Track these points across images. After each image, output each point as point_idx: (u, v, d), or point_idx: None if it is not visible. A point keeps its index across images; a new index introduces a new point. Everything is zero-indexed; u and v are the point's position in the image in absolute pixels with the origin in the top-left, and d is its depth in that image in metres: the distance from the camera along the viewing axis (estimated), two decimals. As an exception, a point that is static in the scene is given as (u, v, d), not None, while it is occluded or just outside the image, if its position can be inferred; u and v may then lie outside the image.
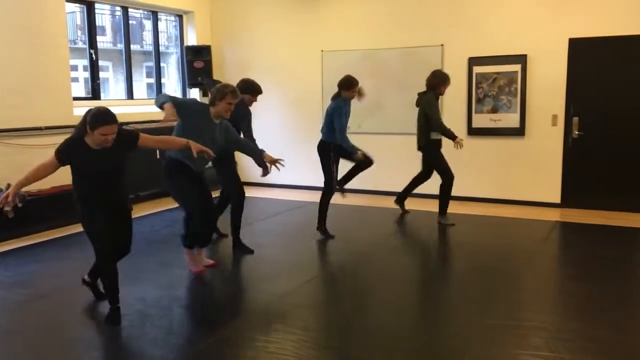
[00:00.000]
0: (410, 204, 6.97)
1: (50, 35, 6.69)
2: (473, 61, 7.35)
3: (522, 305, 4.12)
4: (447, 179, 6.29)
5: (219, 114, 4.55)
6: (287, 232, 6.27)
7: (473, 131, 7.44)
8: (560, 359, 3.23)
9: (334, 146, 5.78)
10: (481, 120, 7.38)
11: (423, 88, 6.87)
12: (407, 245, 6.03)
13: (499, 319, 3.80)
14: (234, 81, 7.71)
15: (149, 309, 4.06)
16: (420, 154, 6.55)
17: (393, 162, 7.87)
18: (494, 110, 7.30)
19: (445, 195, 6.34)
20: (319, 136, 5.89)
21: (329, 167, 5.83)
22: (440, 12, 7.50)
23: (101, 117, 3.58)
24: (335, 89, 5.96)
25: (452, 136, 6.20)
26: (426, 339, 3.59)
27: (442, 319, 3.95)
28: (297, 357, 3.30)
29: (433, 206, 6.52)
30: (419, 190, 6.81)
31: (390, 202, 7.07)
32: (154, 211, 7.31)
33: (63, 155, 3.67)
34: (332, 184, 5.84)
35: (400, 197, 6.90)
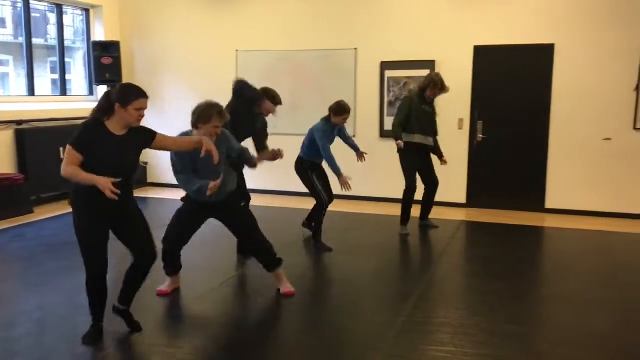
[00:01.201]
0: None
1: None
2: (385, 65, 7.54)
3: (430, 302, 4.27)
4: (407, 186, 6.07)
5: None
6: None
7: (385, 133, 7.61)
8: (464, 354, 3.36)
9: (310, 163, 5.67)
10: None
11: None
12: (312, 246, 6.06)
13: (408, 317, 3.91)
14: (144, 80, 7.58)
15: (49, 317, 3.85)
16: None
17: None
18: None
19: (404, 203, 6.11)
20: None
21: (311, 184, 5.63)
22: (354, 16, 7.64)
23: (134, 90, 3.30)
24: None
25: (395, 138, 5.92)
26: (337, 337, 3.63)
27: (352, 317, 4.00)
28: (208, 361, 3.25)
29: (346, 206, 6.62)
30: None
31: (296, 203, 7.11)
32: (56, 214, 6.94)
33: (82, 142, 3.19)
34: (322, 197, 5.58)
35: (423, 218, 6.48)
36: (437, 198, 7.47)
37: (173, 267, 4.33)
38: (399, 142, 5.84)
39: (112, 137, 3.28)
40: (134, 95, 3.25)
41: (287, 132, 7.99)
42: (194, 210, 4.21)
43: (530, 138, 7.13)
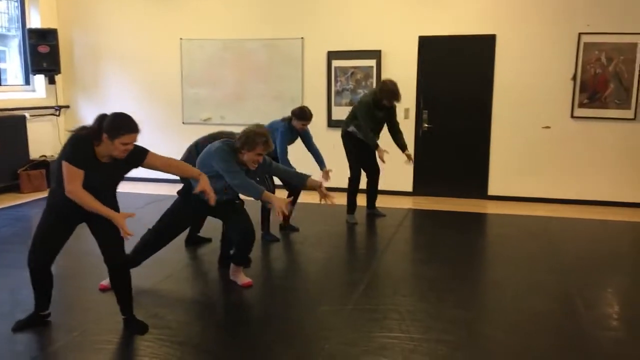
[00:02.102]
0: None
1: None
2: (332, 55, 7.54)
3: (378, 289, 4.31)
4: (353, 176, 6.18)
5: (243, 163, 4.02)
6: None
7: (332, 123, 7.63)
8: (411, 339, 3.42)
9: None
10: (340, 112, 7.57)
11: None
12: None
13: (356, 305, 3.94)
14: (84, 69, 7.35)
15: (-14, 317, 3.69)
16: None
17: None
18: (352, 103, 7.53)
19: (349, 192, 6.21)
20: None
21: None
22: (301, 5, 7.60)
23: (125, 124, 3.13)
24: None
25: (373, 145, 6.00)
26: (285, 328, 3.62)
27: (302, 307, 4.01)
28: (155, 356, 3.18)
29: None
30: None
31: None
32: (-7, 209, 6.65)
33: (78, 158, 3.12)
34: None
35: (370, 207, 6.58)
36: (385, 187, 7.56)
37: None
38: (382, 151, 5.95)
39: (99, 162, 3.19)
40: (123, 130, 3.12)
41: (233, 122, 7.92)
42: (193, 208, 4.14)
43: (473, 127, 7.29)
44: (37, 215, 6.36)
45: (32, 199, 7.20)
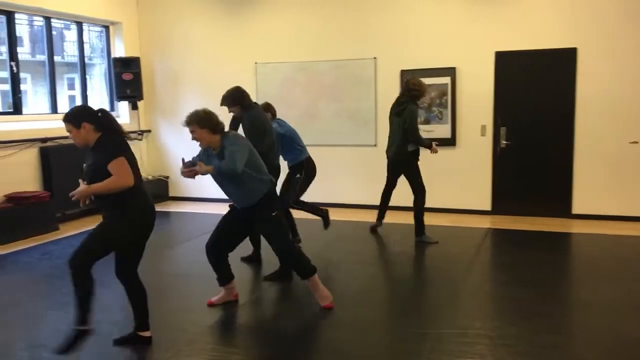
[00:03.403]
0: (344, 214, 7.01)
1: (-35, 46, 6.29)
2: (405, 73, 7.51)
3: (464, 312, 4.21)
4: (423, 196, 6.15)
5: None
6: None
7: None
8: (506, 365, 3.31)
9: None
10: (414, 131, 7.54)
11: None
12: (341, 256, 6.01)
13: (442, 328, 3.85)
14: (164, 94, 7.65)
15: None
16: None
17: (326, 174, 7.90)
18: (427, 121, 7.48)
19: (421, 214, 6.16)
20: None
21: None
22: (373, 25, 7.64)
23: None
24: (270, 100, 5.98)
25: (428, 145, 6.07)
26: (372, 352, 3.59)
27: (384, 329, 3.96)
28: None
29: (352, 215, 6.58)
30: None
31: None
32: (81, 230, 6.96)
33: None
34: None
35: (380, 219, 6.59)
36: (462, 206, 7.44)
37: (219, 275, 4.33)
38: (434, 146, 6.06)
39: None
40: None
41: (307, 143, 8.01)
42: (234, 216, 4.32)
43: (555, 143, 7.05)
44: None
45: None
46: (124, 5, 8.62)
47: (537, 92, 7.06)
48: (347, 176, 7.86)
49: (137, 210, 3.47)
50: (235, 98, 5.11)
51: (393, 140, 6.14)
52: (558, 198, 7.10)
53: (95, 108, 3.55)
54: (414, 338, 3.72)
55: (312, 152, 7.98)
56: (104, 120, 3.49)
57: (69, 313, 4.17)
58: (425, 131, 7.48)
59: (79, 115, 3.45)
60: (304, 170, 5.93)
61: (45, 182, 7.21)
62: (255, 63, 8.27)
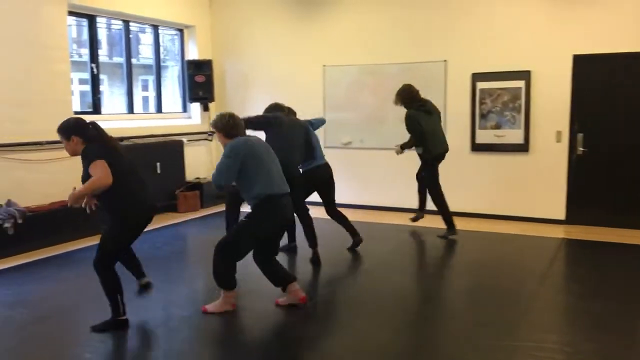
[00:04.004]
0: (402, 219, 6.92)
1: (51, 49, 6.61)
2: (477, 77, 7.34)
3: (538, 325, 4.05)
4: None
5: None
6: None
7: (476, 147, 7.41)
8: (585, 383, 3.16)
9: None
10: (485, 136, 7.36)
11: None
12: (411, 263, 5.94)
13: (518, 341, 3.72)
14: (234, 96, 7.82)
15: (157, 330, 3.96)
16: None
17: (393, 177, 7.85)
18: (498, 126, 7.28)
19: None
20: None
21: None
22: (444, 28, 7.51)
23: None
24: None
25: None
26: (444, 362, 3.51)
27: (455, 341, 3.86)
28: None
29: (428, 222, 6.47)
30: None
31: (390, 218, 7.02)
32: (153, 227, 7.18)
33: None
34: None
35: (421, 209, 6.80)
36: (533, 214, 7.21)
37: (275, 282, 4.32)
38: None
39: None
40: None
41: (374, 145, 8.00)
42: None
43: (636, 150, 6.69)
44: (193, 234, 6.80)
45: (188, 218, 7.71)
46: (198, 10, 8.86)
47: (617, 98, 6.73)
48: (413, 180, 7.75)
49: (128, 211, 3.80)
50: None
51: (441, 137, 6.44)
52: (636, 208, 6.73)
53: (88, 121, 3.89)
54: (490, 350, 3.61)
55: (380, 155, 7.98)
56: (92, 133, 3.80)
57: (140, 305, 4.32)
58: (497, 136, 7.31)
59: (68, 129, 3.81)
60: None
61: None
62: (324, 66, 8.30)
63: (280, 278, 4.28)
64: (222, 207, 6.41)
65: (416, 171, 6.67)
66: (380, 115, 7.99)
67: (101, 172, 3.61)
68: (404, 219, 7.12)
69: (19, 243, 5.84)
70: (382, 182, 8.04)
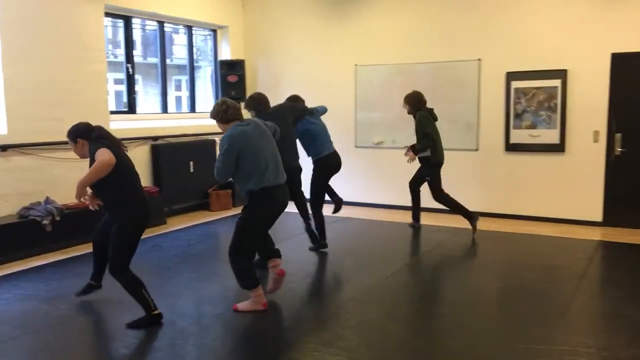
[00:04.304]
0: (438, 219, 6.86)
1: (89, 50, 6.74)
2: (511, 76, 7.22)
3: (574, 329, 3.98)
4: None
5: None
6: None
7: (510, 147, 7.30)
8: (623, 389, 3.08)
9: None
10: (519, 136, 7.24)
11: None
12: (444, 264, 5.87)
13: (553, 344, 3.65)
14: (267, 95, 7.79)
15: (191, 327, 4.01)
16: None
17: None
18: (533, 126, 7.16)
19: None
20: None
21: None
22: (477, 26, 7.41)
23: None
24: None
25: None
26: (478, 364, 3.47)
27: (489, 342, 3.81)
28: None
29: (452, 221, 6.40)
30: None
31: (425, 219, 6.95)
32: (187, 225, 7.28)
33: None
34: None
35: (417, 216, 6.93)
36: (569, 216, 7.07)
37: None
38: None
39: None
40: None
41: (405, 145, 7.94)
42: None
43: (677, 151, 6.50)
44: (225, 233, 6.83)
45: (220, 217, 7.79)
46: (231, 10, 8.93)
47: (658, 97, 6.55)
48: (444, 180, 7.67)
49: (132, 210, 3.94)
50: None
51: (441, 145, 6.58)
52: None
53: (94, 124, 4.10)
54: (524, 353, 3.54)
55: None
56: (97, 135, 4.00)
57: (174, 301, 4.38)
58: (531, 136, 7.19)
59: (75, 133, 4.05)
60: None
61: (155, 178, 7.60)
62: (355, 65, 8.28)
63: (266, 249, 4.50)
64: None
65: (411, 179, 6.82)
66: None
67: (104, 156, 3.79)
68: (435, 219, 7.06)
69: (57, 239, 5.98)
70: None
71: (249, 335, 3.94)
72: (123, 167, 3.91)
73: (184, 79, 12.52)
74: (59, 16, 6.41)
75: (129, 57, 7.65)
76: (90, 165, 3.87)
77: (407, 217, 7.44)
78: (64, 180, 6.39)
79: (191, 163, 8.01)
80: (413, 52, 7.86)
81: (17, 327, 3.99)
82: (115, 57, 12.56)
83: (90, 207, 4.13)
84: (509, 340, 3.76)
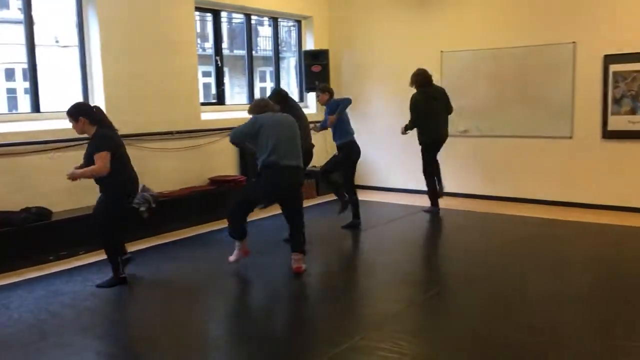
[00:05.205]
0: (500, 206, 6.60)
1: (180, 44, 7.00)
2: (609, 59, 6.83)
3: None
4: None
5: None
6: (404, 238, 6.16)
7: (608, 134, 6.91)
8: None
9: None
10: (618, 122, 6.84)
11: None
12: (527, 256, 5.57)
13: (636, 341, 3.46)
14: (349, 85, 7.93)
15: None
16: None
17: (513, 165, 7.54)
18: (633, 111, 6.74)
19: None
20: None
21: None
22: (572, 7, 7.05)
23: None
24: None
25: None
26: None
27: (570, 338, 3.62)
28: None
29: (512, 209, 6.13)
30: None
31: (511, 209, 6.75)
32: (270, 214, 7.41)
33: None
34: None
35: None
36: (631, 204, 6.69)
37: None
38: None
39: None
40: None
41: (490, 133, 7.73)
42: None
43: None
44: (308, 221, 6.87)
45: (304, 206, 7.80)
46: (315, 0, 8.99)
47: None
48: (535, 170, 7.40)
49: (117, 187, 4.49)
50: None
51: (442, 122, 6.93)
52: None
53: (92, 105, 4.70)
54: (605, 350, 3.40)
55: (499, 143, 7.69)
56: (98, 117, 4.42)
57: (253, 283, 4.50)
58: (631, 122, 6.78)
59: (76, 111, 4.39)
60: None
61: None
62: (441, 52, 8.11)
63: (241, 230, 4.93)
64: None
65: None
66: (500, 102, 7.69)
67: (102, 163, 4.29)
68: (520, 209, 6.83)
69: (153, 226, 6.28)
70: (506, 171, 7.71)
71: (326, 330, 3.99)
72: (118, 155, 4.42)
73: (268, 70, 12.77)
74: (152, 12, 6.69)
75: (218, 49, 7.87)
76: (89, 148, 4.40)
77: (492, 207, 7.26)
78: (159, 169, 6.70)
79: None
80: (501, 36, 7.59)
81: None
82: (204, 50, 13.00)
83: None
84: (590, 337, 3.63)
